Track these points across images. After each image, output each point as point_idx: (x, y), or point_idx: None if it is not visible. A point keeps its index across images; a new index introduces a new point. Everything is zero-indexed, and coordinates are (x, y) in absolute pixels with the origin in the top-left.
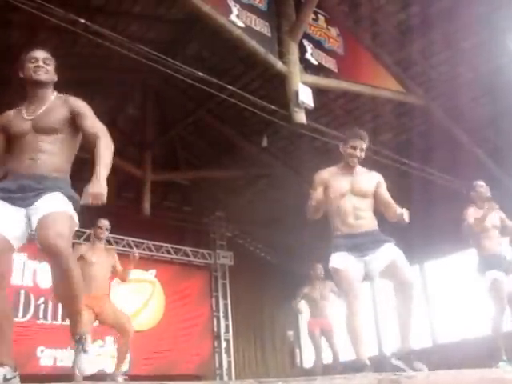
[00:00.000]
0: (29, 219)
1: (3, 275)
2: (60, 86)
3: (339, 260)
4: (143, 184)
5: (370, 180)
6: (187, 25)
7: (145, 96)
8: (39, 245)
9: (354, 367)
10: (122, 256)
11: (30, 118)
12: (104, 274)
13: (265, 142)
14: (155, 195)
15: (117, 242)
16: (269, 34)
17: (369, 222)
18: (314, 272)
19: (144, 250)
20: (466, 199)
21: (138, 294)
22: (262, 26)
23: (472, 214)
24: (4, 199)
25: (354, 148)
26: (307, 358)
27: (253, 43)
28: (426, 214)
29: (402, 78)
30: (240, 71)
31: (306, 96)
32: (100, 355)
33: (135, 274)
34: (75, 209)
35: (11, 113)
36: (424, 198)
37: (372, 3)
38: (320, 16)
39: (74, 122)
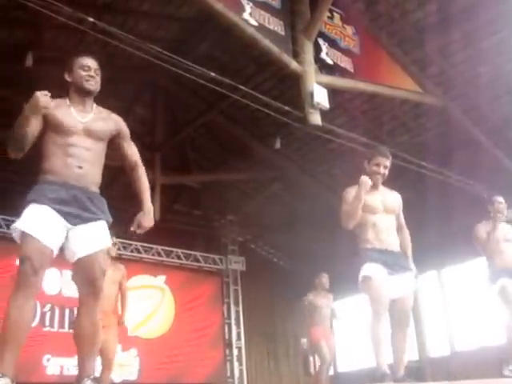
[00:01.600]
0: (67, 234)
1: (38, 286)
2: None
3: (373, 270)
4: (152, 187)
5: (396, 200)
6: (198, 23)
7: (154, 96)
8: (82, 275)
9: (375, 376)
10: (130, 262)
11: (82, 120)
12: (110, 290)
13: (278, 144)
14: (165, 198)
15: (125, 247)
16: (282, 33)
17: (397, 242)
18: (318, 280)
19: (153, 255)
20: (483, 210)
21: (147, 301)
22: (276, 25)
23: (482, 229)
24: (54, 209)
25: (378, 165)
26: (328, 369)
27: (266, 42)
28: (444, 219)
29: (420, 77)
30: (252, 71)
31: (321, 97)
32: None
33: (144, 280)
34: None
35: (53, 102)
36: (442, 201)
37: (389, 1)
38: (335, 14)
39: (113, 139)
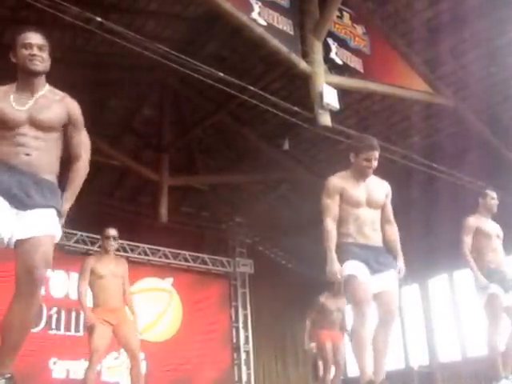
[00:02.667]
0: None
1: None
2: (75, 86)
3: (356, 269)
4: (160, 189)
5: (383, 192)
6: (206, 23)
7: (162, 96)
8: (21, 262)
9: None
10: (138, 264)
11: (23, 108)
12: (115, 285)
13: (286, 145)
14: (172, 200)
15: (132, 250)
16: (291, 33)
17: (380, 237)
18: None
19: (161, 257)
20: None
21: (155, 304)
22: (285, 24)
23: (473, 222)
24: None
25: (369, 160)
26: (331, 372)
27: (275, 42)
28: (456, 221)
29: (431, 78)
30: (261, 71)
31: (331, 97)
32: (114, 367)
33: (151, 282)
34: (59, 222)
35: None
36: (453, 203)
37: (399, 0)
38: (345, 13)
39: (66, 126)
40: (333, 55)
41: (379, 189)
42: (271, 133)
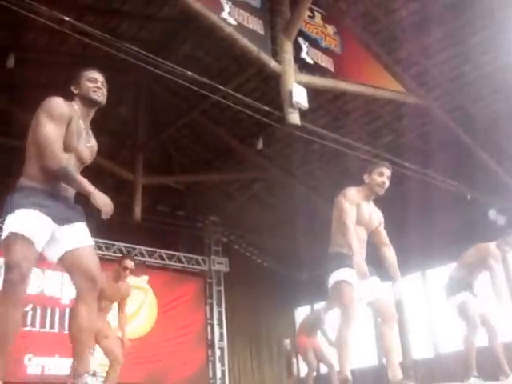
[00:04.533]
0: (52, 235)
1: (25, 291)
2: (49, 86)
3: (348, 275)
4: (134, 188)
5: (378, 218)
6: (180, 24)
7: (137, 97)
8: (80, 271)
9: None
10: (113, 262)
11: (90, 145)
12: (104, 306)
13: (260, 145)
14: (148, 199)
15: (107, 248)
16: (262, 32)
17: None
18: None
19: (136, 255)
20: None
21: (130, 301)
22: (255, 24)
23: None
24: (40, 211)
25: (382, 175)
26: (304, 368)
27: (245, 41)
28: (428, 219)
29: (403, 77)
30: (234, 71)
31: (300, 96)
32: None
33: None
34: None
35: (72, 111)
36: (425, 202)
37: (371, 0)
38: (316, 13)
39: None
40: (303, 54)
41: (376, 214)
42: (245, 132)
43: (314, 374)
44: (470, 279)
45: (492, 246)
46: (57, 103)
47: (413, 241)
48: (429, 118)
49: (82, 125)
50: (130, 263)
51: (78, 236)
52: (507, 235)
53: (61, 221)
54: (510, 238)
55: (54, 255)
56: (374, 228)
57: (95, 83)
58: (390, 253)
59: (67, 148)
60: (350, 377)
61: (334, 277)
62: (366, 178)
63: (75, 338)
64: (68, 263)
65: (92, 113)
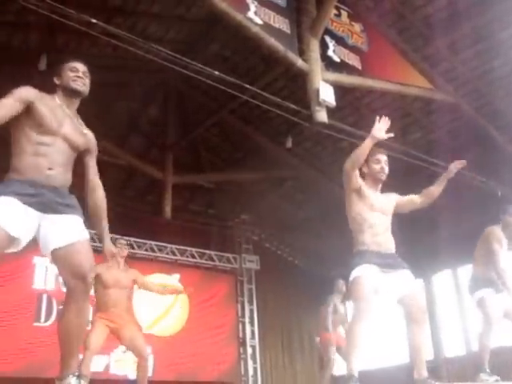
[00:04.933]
0: (38, 225)
1: None
2: None
3: (364, 270)
4: (164, 187)
5: (392, 199)
6: (208, 24)
7: (166, 97)
8: (70, 269)
9: (346, 380)
10: (145, 260)
11: (84, 132)
12: (120, 293)
13: (289, 143)
14: (180, 198)
15: (139, 246)
16: (288, 31)
17: (393, 244)
18: (337, 286)
19: (168, 254)
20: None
21: (161, 299)
22: (281, 23)
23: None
24: (21, 200)
25: (379, 161)
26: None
27: (271, 41)
28: (458, 216)
29: (431, 74)
30: (262, 70)
31: (327, 94)
32: (122, 361)
33: (158, 278)
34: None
35: (42, 97)
36: (455, 199)
37: None
38: (343, 11)
39: (82, 154)
40: (330, 53)
41: (388, 196)
42: (274, 131)
43: (332, 371)
44: (489, 274)
45: (494, 228)
46: (20, 88)
47: (443, 238)
48: (458, 114)
49: (65, 112)
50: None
51: (66, 231)
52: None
53: (45, 209)
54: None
55: (43, 249)
56: (393, 207)
57: (76, 72)
58: (428, 189)
59: (46, 131)
60: (355, 373)
61: (353, 274)
62: (364, 168)
63: (63, 338)
64: (57, 260)
65: (76, 103)
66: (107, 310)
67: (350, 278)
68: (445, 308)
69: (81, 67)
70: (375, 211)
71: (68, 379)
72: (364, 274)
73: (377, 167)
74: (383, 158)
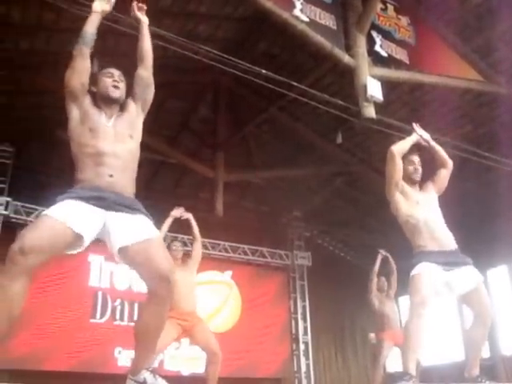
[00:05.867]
0: (104, 224)
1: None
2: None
3: (423, 267)
4: (216, 185)
5: (428, 189)
6: (256, 22)
7: (216, 96)
8: (151, 267)
9: (399, 376)
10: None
11: (109, 124)
12: (188, 290)
13: (339, 139)
14: (231, 195)
15: (192, 244)
16: (334, 27)
17: (451, 239)
18: (379, 284)
19: (220, 251)
20: None
21: (215, 296)
22: (327, 19)
23: None
24: (87, 203)
25: (413, 162)
26: (390, 362)
27: (318, 37)
28: None
29: (481, 66)
30: (310, 67)
31: (374, 89)
32: (176, 357)
33: (211, 275)
34: None
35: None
36: (509, 193)
37: None
38: (389, 5)
39: (137, 101)
40: (377, 48)
41: (426, 187)
42: (324, 127)
43: (385, 368)
44: None
45: None
46: None
47: (498, 233)
48: (510, 106)
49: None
50: (177, 245)
51: (134, 229)
52: None
53: (108, 208)
54: None
55: (111, 248)
56: (435, 194)
57: (111, 77)
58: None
59: (87, 126)
60: (412, 371)
61: (412, 272)
62: None
63: (140, 335)
64: (129, 260)
65: (115, 108)
66: (177, 309)
67: (410, 275)
68: (501, 304)
69: (115, 72)
70: (423, 206)
71: (142, 374)
72: (422, 271)
73: (410, 168)
74: (416, 159)
